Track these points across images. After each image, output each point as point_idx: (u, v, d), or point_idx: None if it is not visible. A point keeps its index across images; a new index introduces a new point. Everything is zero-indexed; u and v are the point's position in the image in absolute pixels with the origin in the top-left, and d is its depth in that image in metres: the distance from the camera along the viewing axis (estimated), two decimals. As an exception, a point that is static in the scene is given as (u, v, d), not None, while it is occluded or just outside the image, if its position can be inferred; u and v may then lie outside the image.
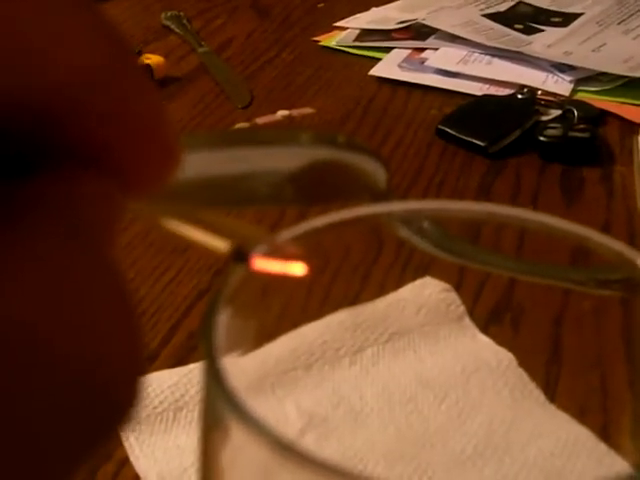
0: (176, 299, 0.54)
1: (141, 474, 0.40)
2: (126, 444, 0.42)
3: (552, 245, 0.25)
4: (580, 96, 0.79)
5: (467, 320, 0.42)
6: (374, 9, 0.99)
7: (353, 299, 0.35)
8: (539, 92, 0.78)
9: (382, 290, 0.36)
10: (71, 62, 0.14)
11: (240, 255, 0.21)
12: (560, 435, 0.35)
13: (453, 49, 0.88)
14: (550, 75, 0.82)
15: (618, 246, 0.23)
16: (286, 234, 0.22)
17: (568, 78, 0.81)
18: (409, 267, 0.34)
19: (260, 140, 0.21)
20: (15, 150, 0.14)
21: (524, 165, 0.69)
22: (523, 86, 0.79)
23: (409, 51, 0.89)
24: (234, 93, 0.80)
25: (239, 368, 0.20)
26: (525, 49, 0.85)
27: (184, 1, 1.02)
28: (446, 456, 0.34)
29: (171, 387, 0.43)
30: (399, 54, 0.88)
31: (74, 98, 0.14)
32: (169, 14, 0.97)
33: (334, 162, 0.22)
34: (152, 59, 0.82)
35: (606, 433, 0.33)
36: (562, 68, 0.83)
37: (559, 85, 0.80)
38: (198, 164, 0.20)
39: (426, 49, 0.89)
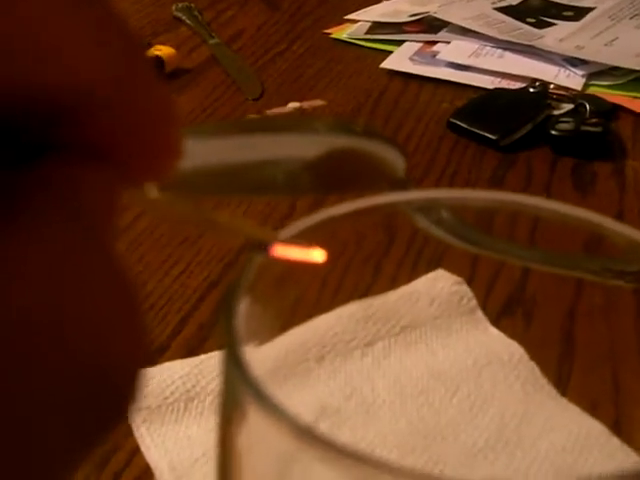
0: (186, 291, 0.53)
1: (152, 464, 0.40)
2: (137, 434, 0.42)
3: (566, 233, 0.24)
4: (592, 90, 0.79)
5: (479, 313, 0.42)
6: (386, 2, 0.99)
7: (365, 291, 0.35)
8: (551, 86, 0.78)
9: (394, 282, 0.36)
10: (81, 58, 0.14)
11: (258, 243, 0.21)
12: (572, 429, 0.35)
13: (465, 42, 0.87)
14: (562, 69, 0.82)
15: (633, 234, 0.23)
16: (300, 224, 0.22)
17: (580, 72, 0.81)
18: (421, 259, 0.34)
19: (276, 128, 0.21)
20: (25, 139, 0.15)
21: (536, 159, 0.69)
22: (535, 80, 0.79)
23: (421, 44, 0.88)
24: (245, 85, 0.80)
25: (254, 358, 0.20)
26: (537, 43, 0.85)
27: (195, -7, 1.02)
28: (457, 449, 0.34)
29: (182, 378, 0.43)
30: (410, 47, 0.88)
31: (83, 92, 0.14)
32: (180, 5, 0.97)
33: (351, 150, 0.22)
34: (163, 51, 0.82)
35: (618, 427, 0.33)
36: (574, 62, 0.82)
37: (571, 79, 0.80)
38: (214, 152, 0.20)
39: (438, 42, 0.88)
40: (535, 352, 0.37)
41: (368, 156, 0.22)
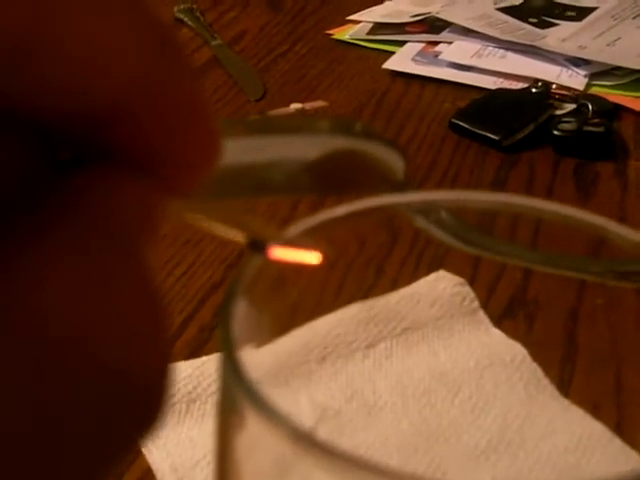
0: (189, 292, 0.53)
1: (153, 466, 0.40)
2: (138, 436, 0.41)
3: (569, 235, 0.24)
4: (595, 90, 0.79)
5: (481, 314, 0.42)
6: (388, 2, 0.99)
7: (366, 292, 0.34)
8: (553, 86, 0.78)
9: (396, 283, 0.36)
10: (118, 67, 0.14)
11: (257, 245, 0.21)
12: (574, 430, 0.35)
13: (467, 43, 0.87)
14: (564, 69, 0.82)
15: (637, 236, 0.23)
16: (301, 225, 0.22)
17: (582, 72, 0.81)
18: (423, 260, 0.34)
19: (276, 128, 0.21)
20: (61, 149, 0.14)
21: (538, 159, 0.69)
22: (537, 80, 0.79)
23: (423, 45, 0.88)
24: (247, 86, 0.80)
25: (253, 360, 0.20)
26: (539, 43, 0.85)
27: (197, -6, 1.02)
28: (460, 450, 0.34)
29: (184, 379, 0.43)
30: (413, 48, 0.88)
31: (122, 98, 0.14)
32: (182, 7, 0.97)
33: (351, 151, 0.22)
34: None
35: (621, 428, 0.33)
36: (576, 62, 0.82)
37: (573, 79, 0.80)
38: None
39: (440, 42, 0.88)
40: (537, 353, 0.37)
41: (368, 157, 0.22)
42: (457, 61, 0.84)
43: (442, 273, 0.40)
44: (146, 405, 0.13)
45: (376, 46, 0.89)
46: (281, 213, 0.58)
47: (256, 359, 0.22)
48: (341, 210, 0.23)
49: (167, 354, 0.14)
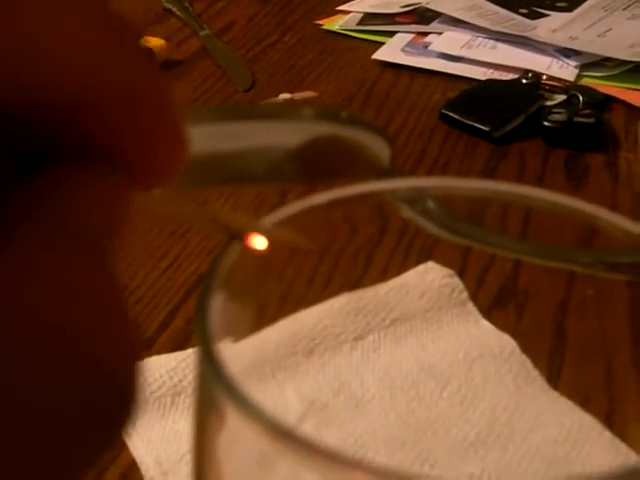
0: (174, 284, 0.53)
1: (138, 459, 0.40)
2: (123, 429, 0.41)
3: (559, 225, 0.24)
4: (585, 81, 0.78)
5: (470, 306, 0.41)
6: (377, -7, 0.98)
7: (355, 283, 0.34)
8: (544, 77, 0.77)
9: (384, 274, 0.35)
10: (82, 59, 0.14)
11: (239, 235, 0.20)
12: (564, 422, 0.34)
13: (457, 33, 0.87)
14: (555, 60, 0.82)
15: (627, 225, 0.22)
16: (285, 211, 0.22)
17: (573, 63, 0.81)
18: (412, 251, 0.34)
19: (259, 115, 0.20)
20: (24, 147, 0.14)
21: (528, 150, 0.69)
22: (528, 71, 0.78)
23: (413, 35, 0.88)
24: (236, 76, 0.80)
25: (236, 353, 0.20)
26: (530, 34, 0.85)
27: (186, -16, 1.01)
28: (448, 443, 0.34)
29: (169, 372, 0.43)
30: (402, 38, 0.87)
31: (84, 93, 0.14)
32: (170, -3, 0.97)
33: (336, 138, 0.21)
34: (153, 42, 0.81)
35: (611, 420, 0.32)
36: (567, 53, 0.82)
37: (564, 70, 0.80)
38: (193, 140, 0.19)
39: (430, 33, 0.88)
40: (527, 345, 0.37)
41: (352, 144, 0.22)
42: (447, 52, 0.83)
43: (431, 264, 0.40)
44: (120, 389, 0.13)
45: (366, 36, 0.89)
46: (270, 201, 0.58)
47: (238, 352, 0.21)
48: (328, 195, 0.23)
49: (134, 341, 0.14)
